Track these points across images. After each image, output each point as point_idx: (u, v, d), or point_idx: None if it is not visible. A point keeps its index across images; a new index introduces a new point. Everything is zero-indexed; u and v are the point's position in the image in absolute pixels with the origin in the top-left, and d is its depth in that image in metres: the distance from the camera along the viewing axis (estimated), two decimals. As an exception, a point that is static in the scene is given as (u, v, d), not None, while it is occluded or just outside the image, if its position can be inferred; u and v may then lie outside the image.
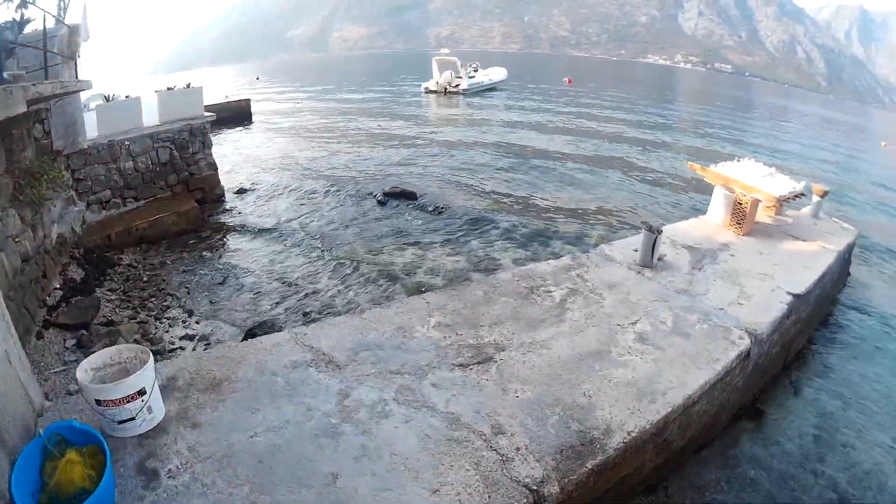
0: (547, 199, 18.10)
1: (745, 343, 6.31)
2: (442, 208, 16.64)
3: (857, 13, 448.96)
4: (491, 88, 52.30)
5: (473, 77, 50.87)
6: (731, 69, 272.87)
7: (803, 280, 8.34)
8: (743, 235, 10.06)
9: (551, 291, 7.34)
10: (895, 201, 23.34)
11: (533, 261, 12.27)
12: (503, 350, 5.85)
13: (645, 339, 6.22)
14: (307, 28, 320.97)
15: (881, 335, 10.24)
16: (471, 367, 5.54)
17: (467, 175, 20.96)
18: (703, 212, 11.02)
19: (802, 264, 9.01)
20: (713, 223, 10.53)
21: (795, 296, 7.81)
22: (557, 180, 20.67)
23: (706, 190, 12.71)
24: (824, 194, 11.99)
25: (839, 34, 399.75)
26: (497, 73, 55.24)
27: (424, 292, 7.78)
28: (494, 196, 18.32)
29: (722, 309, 7.11)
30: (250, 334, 9.12)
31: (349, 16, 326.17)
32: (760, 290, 7.80)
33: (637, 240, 8.82)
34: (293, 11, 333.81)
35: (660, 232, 8.08)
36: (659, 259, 8.36)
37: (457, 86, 47.63)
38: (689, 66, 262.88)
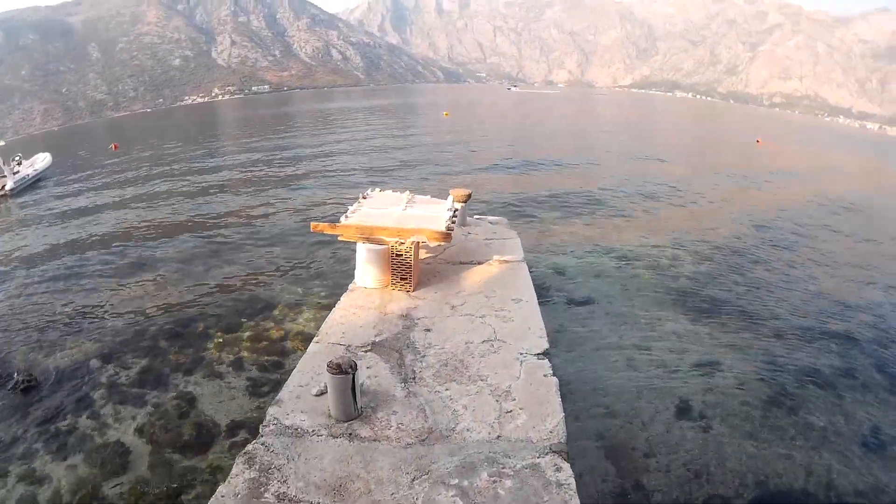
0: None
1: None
2: None
3: (388, 4, 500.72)
4: (38, 180, 45.23)
5: (18, 171, 43.44)
6: (269, 88, 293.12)
7: (533, 324, 7.10)
8: (415, 292, 8.38)
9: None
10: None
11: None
12: None
13: None
14: None
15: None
16: None
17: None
18: (342, 273, 9.17)
19: (513, 299, 7.75)
20: (371, 290, 8.55)
21: (546, 353, 6.49)
22: (126, 274, 16.90)
23: (328, 243, 11.47)
24: (467, 198, 11.16)
25: (373, 28, 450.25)
26: (42, 161, 47.88)
27: None
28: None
29: (501, 443, 5.04)
30: None
31: None
32: (507, 371, 6.12)
33: (304, 378, 6.22)
34: None
35: (355, 369, 5.39)
36: (362, 394, 5.65)
37: (2, 187, 40.36)
38: (227, 97, 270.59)
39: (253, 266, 16.53)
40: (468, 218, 11.65)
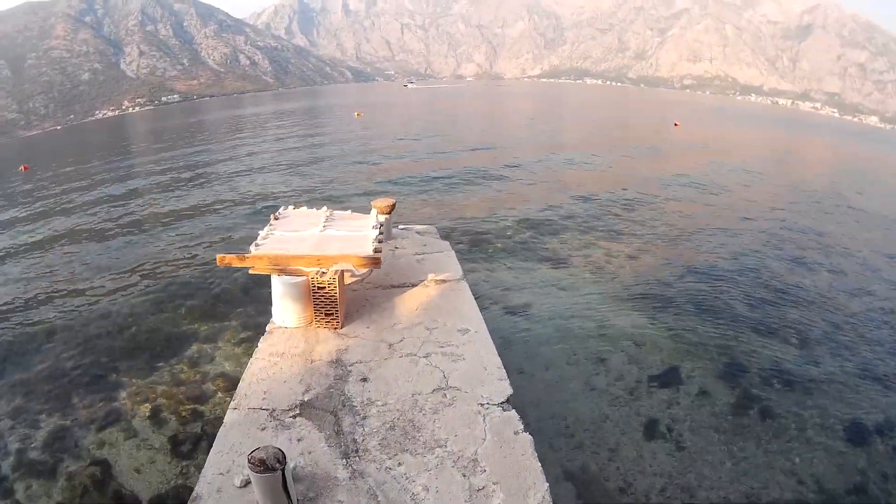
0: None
1: None
2: None
3: (295, 7, 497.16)
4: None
5: None
6: (179, 98, 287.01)
7: (489, 362, 6.00)
8: (344, 329, 7.06)
9: None
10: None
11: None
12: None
13: None
14: None
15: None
16: None
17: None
18: (262, 299, 7.89)
19: (459, 329, 6.67)
20: (292, 330, 7.15)
21: (509, 399, 5.42)
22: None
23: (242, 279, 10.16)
24: (391, 209, 10.02)
25: (280, 32, 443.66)
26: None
27: None
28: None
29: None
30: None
31: None
32: (469, 431, 4.97)
33: (223, 463, 4.79)
34: None
35: (283, 462, 4.05)
36: (296, 481, 4.25)
37: None
38: (137, 108, 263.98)
39: (164, 298, 14.66)
40: (393, 229, 10.51)
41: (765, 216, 22.55)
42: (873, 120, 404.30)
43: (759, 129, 69.92)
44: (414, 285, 8.21)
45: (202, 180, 32.20)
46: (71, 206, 29.71)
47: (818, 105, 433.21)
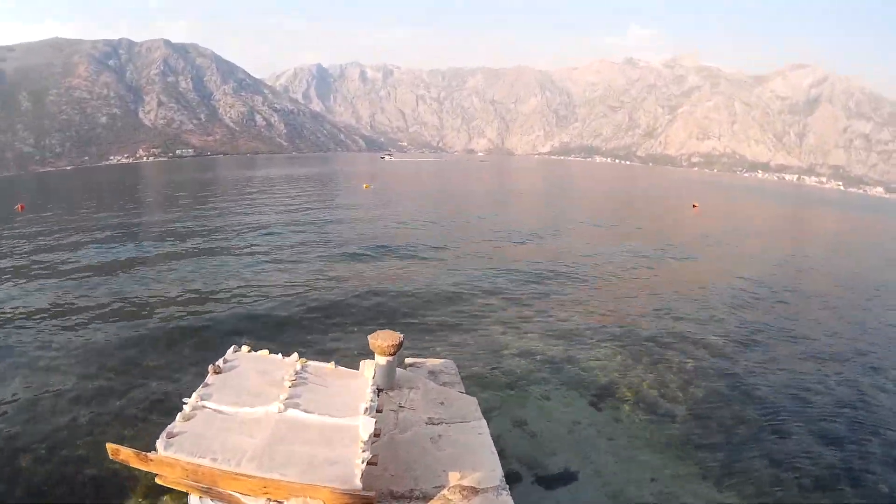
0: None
1: None
2: None
3: (314, 72, 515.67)
4: None
5: None
6: (193, 152, 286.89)
7: None
8: None
9: None
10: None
11: None
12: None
13: None
14: None
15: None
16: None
17: None
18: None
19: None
20: None
21: None
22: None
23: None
24: (397, 348, 6.91)
25: (298, 95, 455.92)
26: None
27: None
28: None
29: None
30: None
31: None
32: None
33: None
34: None
35: None
36: None
37: None
38: (151, 159, 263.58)
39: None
40: (399, 369, 7.36)
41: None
42: (878, 190, 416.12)
43: (785, 208, 67.99)
44: (427, 498, 5.01)
45: (194, 247, 27.99)
46: (49, 259, 25.94)
47: (823, 179, 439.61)
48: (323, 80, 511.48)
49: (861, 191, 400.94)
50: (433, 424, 6.32)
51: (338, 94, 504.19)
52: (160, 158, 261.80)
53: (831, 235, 46.64)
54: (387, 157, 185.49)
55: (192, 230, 33.67)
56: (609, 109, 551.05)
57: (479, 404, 6.96)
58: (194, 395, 4.90)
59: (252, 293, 19.19)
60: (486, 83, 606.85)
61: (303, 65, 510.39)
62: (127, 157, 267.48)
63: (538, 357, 14.11)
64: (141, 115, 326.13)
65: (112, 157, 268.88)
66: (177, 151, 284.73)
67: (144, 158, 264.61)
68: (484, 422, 6.51)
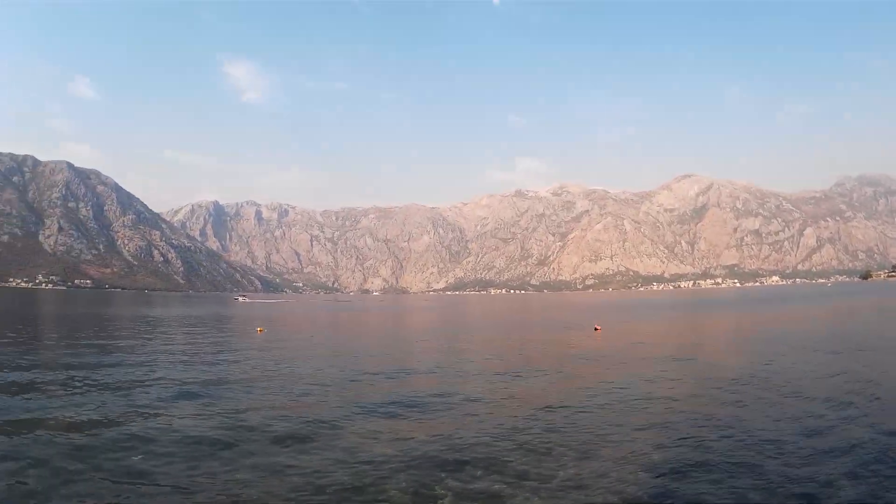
0: None
1: None
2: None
3: (211, 209, 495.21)
4: None
5: None
6: (91, 284, 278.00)
7: None
8: None
9: None
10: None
11: None
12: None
13: None
14: None
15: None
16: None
17: None
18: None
19: None
20: None
21: None
22: None
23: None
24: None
25: (195, 232, 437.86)
26: None
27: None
28: None
29: None
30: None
31: None
32: None
33: None
34: None
35: None
36: None
37: None
38: (50, 286, 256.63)
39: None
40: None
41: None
42: (775, 279, 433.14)
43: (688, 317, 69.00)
44: None
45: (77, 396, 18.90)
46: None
47: (719, 280, 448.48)
48: (219, 217, 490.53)
49: (758, 283, 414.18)
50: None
51: (233, 234, 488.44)
52: (58, 287, 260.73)
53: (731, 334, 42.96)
54: (240, 300, 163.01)
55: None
56: (501, 242, 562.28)
57: None
58: None
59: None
60: (379, 222, 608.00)
61: (200, 201, 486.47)
62: (26, 282, 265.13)
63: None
64: (41, 238, 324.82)
65: (11, 280, 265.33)
66: (75, 281, 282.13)
67: (43, 285, 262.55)
68: None
